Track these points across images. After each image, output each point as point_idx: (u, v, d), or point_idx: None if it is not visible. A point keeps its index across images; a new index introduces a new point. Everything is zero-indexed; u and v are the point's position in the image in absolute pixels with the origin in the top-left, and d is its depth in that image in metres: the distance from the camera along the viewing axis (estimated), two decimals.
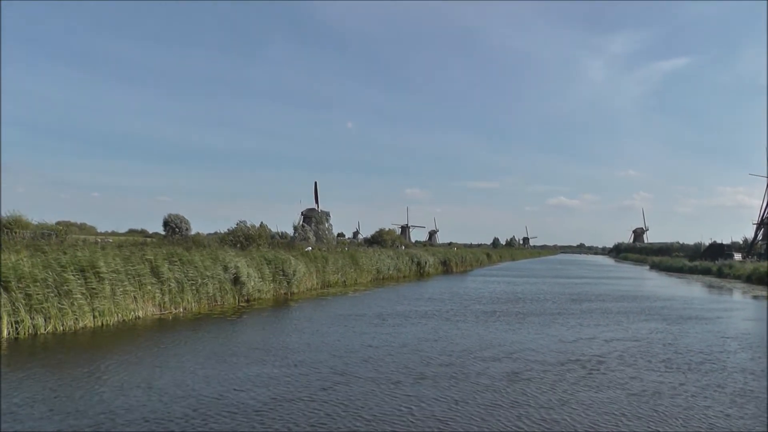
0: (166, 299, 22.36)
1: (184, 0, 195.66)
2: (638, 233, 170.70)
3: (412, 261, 52.82)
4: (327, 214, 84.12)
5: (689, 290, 41.98)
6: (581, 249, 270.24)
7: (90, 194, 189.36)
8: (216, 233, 48.55)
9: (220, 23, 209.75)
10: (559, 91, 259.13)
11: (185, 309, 22.96)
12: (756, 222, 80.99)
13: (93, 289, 19.10)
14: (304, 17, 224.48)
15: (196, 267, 24.21)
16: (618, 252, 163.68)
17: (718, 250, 79.25)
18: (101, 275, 19.63)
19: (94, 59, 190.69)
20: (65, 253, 19.89)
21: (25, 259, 18.31)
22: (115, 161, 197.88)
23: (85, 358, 14.30)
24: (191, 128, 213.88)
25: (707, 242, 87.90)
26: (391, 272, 47.44)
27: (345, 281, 38.54)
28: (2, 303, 16.62)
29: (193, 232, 66.51)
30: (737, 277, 53.98)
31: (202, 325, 20.05)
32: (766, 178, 76.59)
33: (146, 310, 21.29)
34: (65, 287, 18.23)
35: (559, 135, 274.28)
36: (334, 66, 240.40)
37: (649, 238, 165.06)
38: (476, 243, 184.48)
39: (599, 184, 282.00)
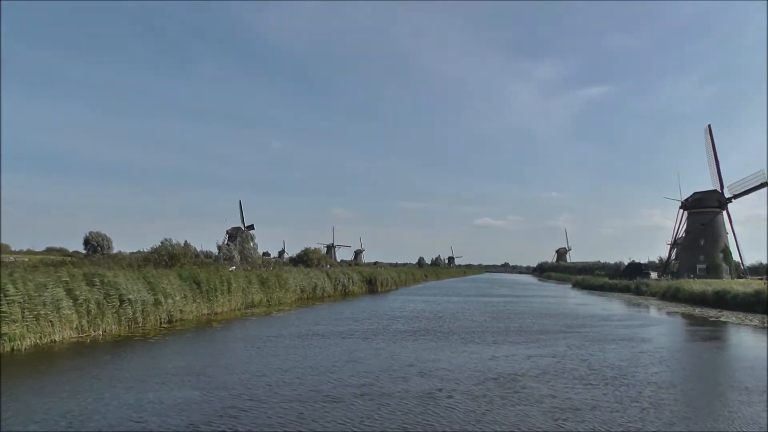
0: (84, 322, 21.88)
1: (111, 12, 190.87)
2: (561, 253, 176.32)
3: (338, 281, 53.04)
4: (252, 234, 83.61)
5: (609, 307, 43.77)
6: (506, 268, 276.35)
7: (3, 209, 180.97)
8: (139, 252, 47.50)
9: (147, 37, 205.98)
10: (487, 114, 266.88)
11: (105, 331, 22.54)
12: (669, 242, 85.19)
13: (3, 312, 18.54)
14: (235, 34, 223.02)
15: (117, 288, 23.82)
16: (542, 271, 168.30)
17: (636, 269, 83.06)
18: (11, 298, 19.11)
19: (13, 69, 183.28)
20: None
21: None
22: (31, 176, 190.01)
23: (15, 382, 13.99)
24: (115, 144, 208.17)
25: (626, 262, 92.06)
26: (316, 292, 47.51)
27: (269, 301, 38.39)
28: None
29: (115, 251, 64.90)
30: (653, 294, 56.81)
31: (122, 348, 19.70)
32: (679, 201, 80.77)
33: (63, 334, 20.78)
34: None
35: (486, 157, 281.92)
36: (262, 84, 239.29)
37: (572, 257, 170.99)
38: (402, 262, 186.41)
39: (525, 205, 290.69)
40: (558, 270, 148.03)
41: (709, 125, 77.21)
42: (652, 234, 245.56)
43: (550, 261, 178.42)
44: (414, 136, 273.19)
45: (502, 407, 12.02)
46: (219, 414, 11.26)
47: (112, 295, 23.39)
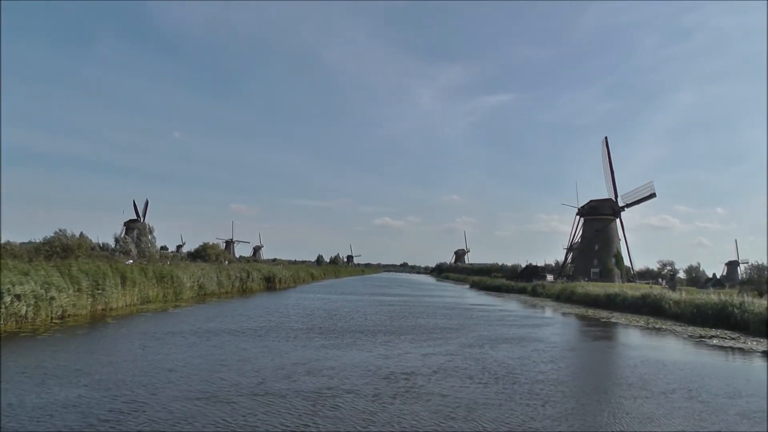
0: None
1: None
2: (459, 254, 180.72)
3: (236, 277, 52.34)
4: (150, 227, 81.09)
5: (505, 308, 45.25)
6: (405, 268, 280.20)
7: None
8: (31, 242, 45.20)
9: (49, 14, 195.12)
10: (392, 115, 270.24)
11: None
12: (566, 247, 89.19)
13: None
14: (140, 18, 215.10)
15: (4, 281, 22.55)
16: (440, 272, 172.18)
17: (533, 272, 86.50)
18: None
19: None
20: None
21: None
22: None
23: None
24: (6, 124, 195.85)
25: (524, 264, 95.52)
26: (213, 288, 46.73)
27: (166, 297, 37.47)
28: None
29: (3, 240, 61.30)
30: (549, 296, 59.37)
31: (6, 344, 18.76)
32: (576, 208, 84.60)
33: None
34: None
35: (389, 158, 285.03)
36: (164, 71, 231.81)
37: (470, 259, 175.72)
38: (301, 260, 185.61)
39: (425, 206, 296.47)
40: (456, 271, 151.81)
41: (606, 137, 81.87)
42: (550, 238, 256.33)
43: (448, 262, 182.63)
44: (317, 133, 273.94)
45: (393, 406, 12.08)
46: (99, 416, 10.74)
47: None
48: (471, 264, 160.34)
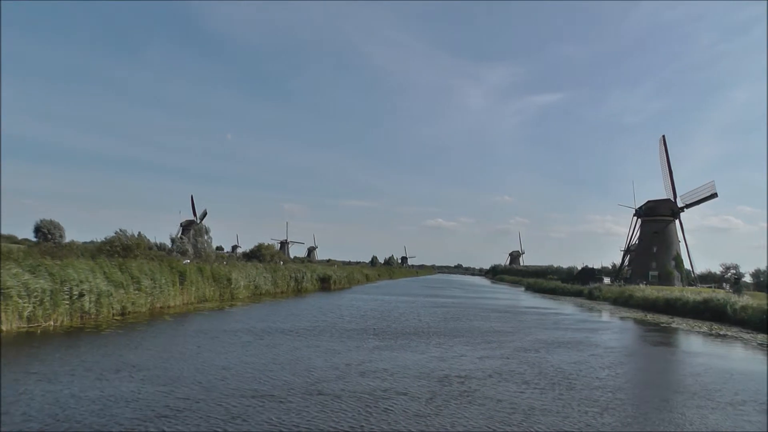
0: (36, 312, 21.20)
1: None
2: (514, 256, 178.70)
3: (291, 277, 52.69)
4: (206, 227, 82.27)
5: (561, 311, 44.38)
6: (459, 269, 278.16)
7: None
8: (93, 242, 46.47)
9: (103, 22, 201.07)
10: (440, 116, 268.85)
11: (56, 322, 21.91)
12: (623, 249, 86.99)
13: None
14: (189, 22, 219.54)
15: (68, 278, 23.17)
16: (494, 273, 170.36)
17: (589, 274, 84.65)
18: None
19: None
20: None
21: None
22: None
23: None
24: (66, 129, 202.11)
25: (579, 266, 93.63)
26: (269, 288, 47.13)
27: (222, 296, 37.95)
28: None
29: (67, 240, 63.19)
30: (606, 299, 57.94)
31: (73, 339, 19.16)
32: (633, 209, 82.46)
33: (11, 324, 20.12)
34: None
35: (437, 158, 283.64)
36: (216, 75, 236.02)
37: (525, 261, 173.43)
38: (355, 260, 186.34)
39: (477, 207, 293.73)
40: (511, 273, 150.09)
41: (664, 136, 79.27)
42: (604, 239, 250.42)
43: (503, 264, 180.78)
44: (367, 134, 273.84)
45: (447, 409, 11.82)
46: (155, 411, 10.82)
47: (65, 285, 22.79)
48: (526, 266, 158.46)
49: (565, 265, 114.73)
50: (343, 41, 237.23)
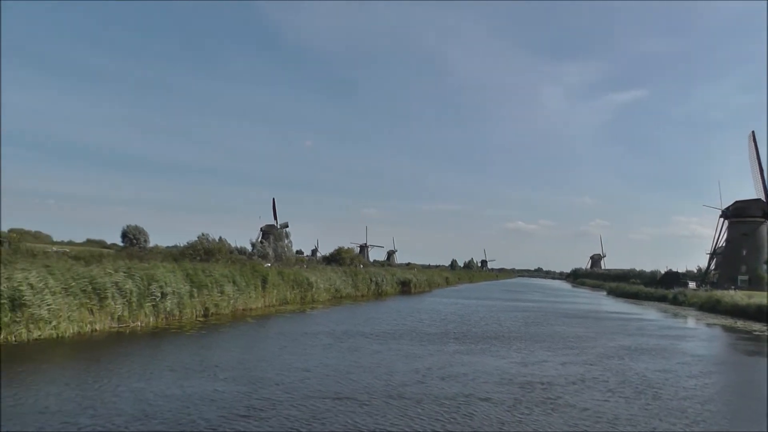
0: (125, 312, 22.13)
1: (149, 10, 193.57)
2: (596, 259, 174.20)
3: (371, 280, 53.09)
4: (286, 231, 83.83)
5: (644, 316, 42.99)
6: (539, 273, 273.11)
7: (45, 201, 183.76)
8: (175, 246, 48.14)
9: (183, 35, 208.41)
10: (519, 117, 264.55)
11: (143, 323, 22.88)
12: (709, 252, 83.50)
13: (48, 303, 18.99)
14: (268, 33, 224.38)
15: (155, 280, 24.17)
16: (575, 277, 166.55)
17: (673, 278, 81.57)
18: (52, 289, 19.49)
19: (56, 66, 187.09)
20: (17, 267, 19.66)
21: None
22: (71, 170, 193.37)
23: (37, 370, 14.11)
24: (151, 140, 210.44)
25: (663, 270, 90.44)
26: (349, 291, 47.65)
27: (303, 299, 38.60)
28: None
29: (151, 244, 65.68)
30: (691, 305, 55.63)
31: (159, 339, 19.98)
32: (719, 210, 79.05)
33: (103, 323, 21.16)
34: (18, 300, 18.14)
35: (516, 160, 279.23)
36: (294, 83, 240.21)
37: (606, 264, 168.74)
38: (434, 264, 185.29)
39: (556, 209, 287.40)
40: (592, 276, 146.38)
41: (753, 132, 74.95)
42: (689, 242, 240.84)
43: (584, 267, 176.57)
44: (444, 137, 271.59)
45: (529, 417, 11.62)
46: (235, 411, 11.10)
47: (152, 287, 23.78)
48: (607, 270, 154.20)
49: (647, 269, 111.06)
50: (421, 44, 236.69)
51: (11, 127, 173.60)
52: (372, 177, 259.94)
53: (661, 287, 75.81)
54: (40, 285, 19.12)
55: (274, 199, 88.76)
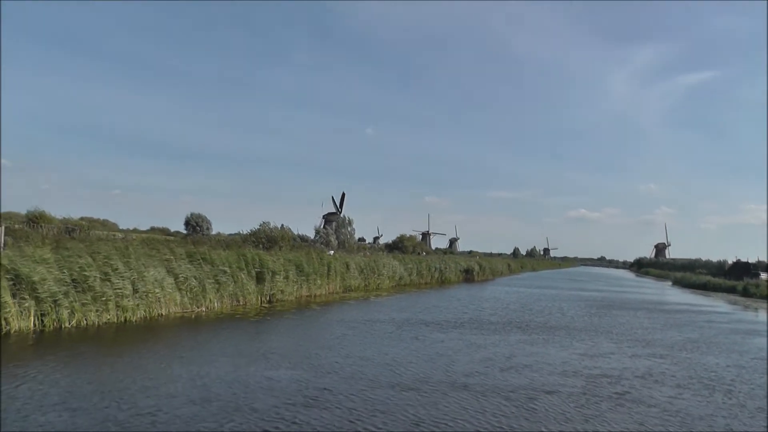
0: (187, 298, 22.49)
1: (210, 1, 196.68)
2: (660, 248, 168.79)
3: (434, 268, 52.67)
4: (349, 219, 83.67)
5: (714, 308, 41.22)
6: (602, 262, 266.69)
7: (111, 192, 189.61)
8: (238, 234, 48.67)
9: (244, 26, 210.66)
10: (583, 101, 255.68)
11: (207, 308, 23.11)
12: None
13: (117, 287, 19.36)
14: (329, 22, 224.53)
15: (219, 266, 24.40)
16: (639, 266, 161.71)
17: (743, 269, 78.06)
18: (121, 274, 19.86)
19: (121, 60, 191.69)
20: (90, 252, 20.06)
21: (48, 254, 18.60)
22: (136, 160, 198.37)
23: (104, 352, 14.48)
24: (213, 130, 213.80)
25: (731, 260, 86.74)
26: (413, 278, 47.36)
27: (367, 286, 38.53)
28: (26, 296, 16.90)
29: (214, 232, 66.75)
30: (763, 297, 53.09)
31: (225, 325, 20.13)
32: None
33: (169, 308, 21.46)
34: (87, 283, 18.51)
35: (580, 146, 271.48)
36: (354, 70, 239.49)
37: (671, 253, 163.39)
38: (496, 252, 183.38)
39: (620, 197, 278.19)
40: (657, 266, 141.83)
41: None
42: (761, 231, 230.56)
43: (648, 256, 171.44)
44: (506, 123, 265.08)
45: (597, 413, 11.07)
46: (293, 401, 10.97)
47: (217, 273, 24.03)
48: (672, 259, 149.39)
49: (714, 259, 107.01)
50: (485, 29, 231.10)
51: (78, 121, 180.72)
52: (435, 164, 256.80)
53: (730, 278, 72.73)
54: (113, 268, 19.53)
55: (343, 193, 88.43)
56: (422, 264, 50.97)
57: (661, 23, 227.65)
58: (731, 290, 61.81)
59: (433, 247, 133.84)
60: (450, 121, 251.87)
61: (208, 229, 69.31)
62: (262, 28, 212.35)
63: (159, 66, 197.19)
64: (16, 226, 32.25)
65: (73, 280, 18.27)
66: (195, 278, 22.90)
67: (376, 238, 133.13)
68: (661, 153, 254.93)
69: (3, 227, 21.20)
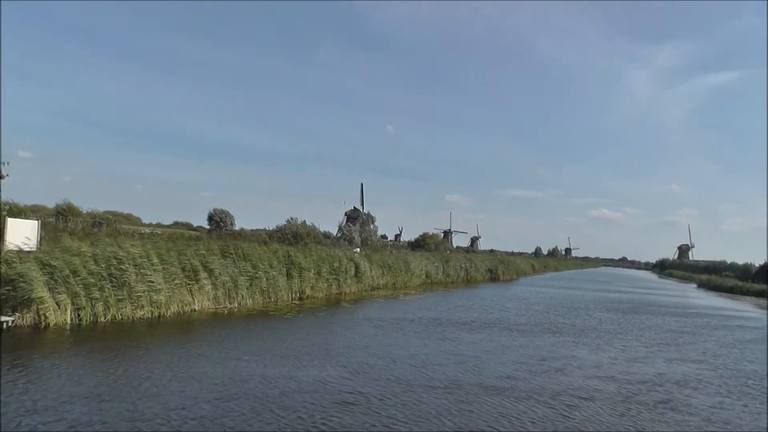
0: (219, 294, 22.29)
1: (236, 1, 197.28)
2: (683, 250, 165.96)
3: (461, 267, 52.12)
4: (372, 217, 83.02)
5: (744, 313, 40.18)
6: (623, 263, 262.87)
7: (133, 186, 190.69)
8: (264, 229, 48.46)
9: (271, 24, 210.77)
10: (605, 102, 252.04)
11: (239, 304, 22.91)
12: None
13: (150, 281, 19.22)
14: (350, 20, 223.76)
15: (251, 262, 24.21)
16: (662, 268, 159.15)
17: None
18: (155, 268, 19.73)
19: (146, 55, 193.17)
20: (120, 247, 19.93)
21: (86, 249, 18.52)
22: (157, 155, 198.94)
23: (137, 346, 14.33)
24: (234, 125, 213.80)
25: (758, 263, 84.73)
26: (439, 277, 46.92)
27: (394, 284, 38.19)
28: (62, 291, 16.83)
29: (237, 228, 66.52)
30: None
31: (258, 321, 19.89)
32: None
33: (202, 304, 21.28)
34: (123, 278, 18.39)
35: (601, 146, 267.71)
36: (377, 69, 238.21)
37: (695, 255, 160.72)
38: (518, 251, 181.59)
39: (641, 198, 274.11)
40: (680, 268, 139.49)
41: None
42: None
43: (670, 258, 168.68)
44: (527, 122, 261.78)
45: (639, 420, 10.54)
46: (334, 400, 10.63)
47: (249, 270, 23.85)
48: (696, 261, 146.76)
49: (739, 261, 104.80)
50: (509, 29, 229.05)
51: (103, 116, 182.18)
52: (456, 163, 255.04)
53: (759, 281, 71.02)
54: (144, 262, 19.43)
55: (362, 185, 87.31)
56: (449, 263, 50.48)
57: (683, 23, 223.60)
58: (760, 294, 60.25)
59: (455, 245, 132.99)
60: (472, 119, 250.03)
61: (231, 224, 68.96)
62: (287, 26, 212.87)
63: (183, 62, 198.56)
64: (47, 219, 32.35)
65: (110, 275, 18.16)
66: (228, 274, 22.73)
67: (397, 236, 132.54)
68: (684, 154, 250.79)
69: (39, 221, 21.15)
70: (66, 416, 8.92)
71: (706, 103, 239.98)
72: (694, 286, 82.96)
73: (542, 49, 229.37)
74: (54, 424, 8.58)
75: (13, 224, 19.59)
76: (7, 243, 18.65)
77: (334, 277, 30.18)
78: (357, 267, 33.11)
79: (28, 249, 18.37)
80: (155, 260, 19.85)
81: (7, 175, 30.63)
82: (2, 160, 30.55)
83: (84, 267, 17.58)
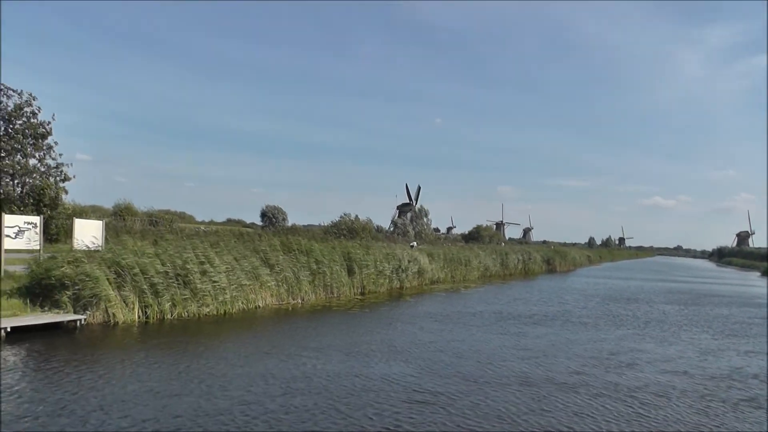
0: (283, 289, 22.31)
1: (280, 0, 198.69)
2: (743, 237, 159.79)
3: (518, 260, 51.32)
4: (425, 210, 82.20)
5: None
6: (678, 251, 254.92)
7: (184, 184, 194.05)
8: (319, 225, 48.70)
9: (314, 21, 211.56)
10: (655, 86, 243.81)
11: (303, 300, 22.89)
12: None
13: (214, 280, 19.28)
14: (395, 14, 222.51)
15: (315, 257, 24.18)
16: (720, 256, 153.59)
17: None
18: (218, 267, 19.81)
19: (194, 57, 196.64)
20: (185, 246, 20.14)
21: (150, 249, 18.71)
22: (208, 153, 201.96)
23: (203, 343, 14.50)
24: (281, 122, 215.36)
25: None
26: (497, 270, 46.32)
27: (453, 277, 37.83)
28: (130, 289, 17.01)
29: (289, 224, 66.70)
30: None
31: (321, 317, 19.84)
32: None
33: (265, 300, 21.31)
34: (188, 277, 18.49)
35: (652, 132, 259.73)
36: (422, 61, 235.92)
37: (755, 242, 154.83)
38: (570, 242, 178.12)
39: (696, 184, 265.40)
40: (740, 255, 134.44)
41: None
42: None
43: (728, 245, 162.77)
44: (576, 110, 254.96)
45: (724, 421, 9.94)
46: (401, 399, 10.35)
47: (313, 266, 23.83)
48: (757, 248, 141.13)
49: None
50: (549, 15, 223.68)
51: (153, 116, 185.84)
52: (505, 154, 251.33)
53: None
54: (210, 262, 19.52)
55: (419, 186, 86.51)
56: (507, 256, 49.77)
57: (730, 3, 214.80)
58: None
59: (507, 237, 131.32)
60: (519, 110, 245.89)
61: (284, 220, 69.19)
62: (329, 23, 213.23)
63: (229, 60, 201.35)
64: (107, 219, 33.01)
65: (177, 275, 18.30)
66: (291, 269, 22.74)
67: (449, 229, 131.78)
68: (739, 138, 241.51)
69: (104, 222, 21.48)
70: (131, 413, 8.90)
71: (759, 84, 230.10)
72: (758, 274, 79.54)
73: (586, 33, 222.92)
74: (119, 421, 8.56)
75: (80, 224, 20.00)
76: (76, 242, 19.00)
77: (396, 275, 30.03)
78: (419, 265, 32.88)
79: (95, 248, 18.66)
80: (217, 260, 19.91)
81: (74, 177, 31.39)
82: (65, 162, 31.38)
83: (152, 266, 17.74)
